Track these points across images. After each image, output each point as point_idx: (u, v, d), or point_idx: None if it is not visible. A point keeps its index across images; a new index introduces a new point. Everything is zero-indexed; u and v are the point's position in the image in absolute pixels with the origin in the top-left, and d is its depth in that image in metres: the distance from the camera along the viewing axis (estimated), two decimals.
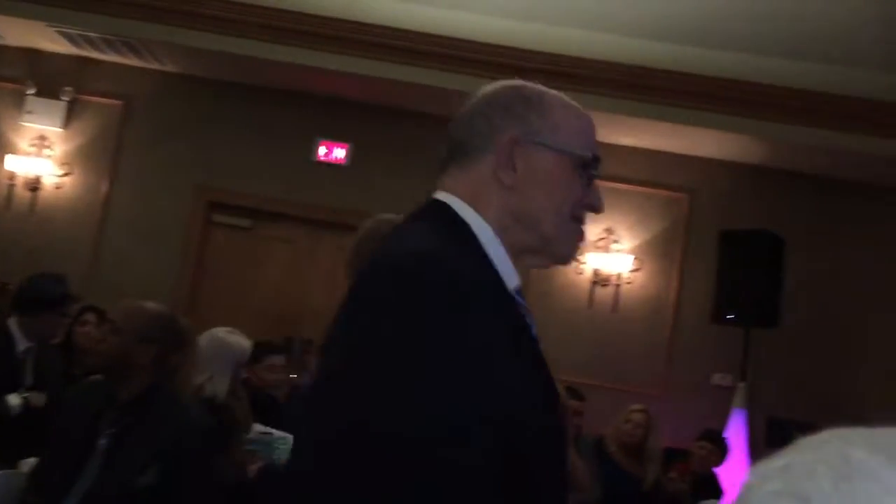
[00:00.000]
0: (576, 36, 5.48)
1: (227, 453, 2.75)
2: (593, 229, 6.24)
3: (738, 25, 5.17)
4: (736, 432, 5.17)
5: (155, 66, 6.24)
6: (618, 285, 6.15)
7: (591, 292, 6.20)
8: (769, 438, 5.34)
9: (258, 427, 3.19)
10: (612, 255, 6.18)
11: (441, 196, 1.18)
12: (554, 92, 1.24)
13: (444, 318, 0.97)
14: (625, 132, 5.92)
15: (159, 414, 2.36)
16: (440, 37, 5.47)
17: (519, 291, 1.16)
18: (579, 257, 6.24)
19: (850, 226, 6.09)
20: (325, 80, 5.84)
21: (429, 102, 5.95)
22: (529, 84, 1.23)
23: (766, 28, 5.16)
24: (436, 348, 0.95)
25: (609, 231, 6.22)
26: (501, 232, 1.15)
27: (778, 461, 0.48)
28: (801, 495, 0.45)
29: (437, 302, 0.98)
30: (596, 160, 1.21)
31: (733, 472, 4.61)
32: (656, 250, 6.22)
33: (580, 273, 6.25)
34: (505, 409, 0.98)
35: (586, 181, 1.20)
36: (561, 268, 6.27)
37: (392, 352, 0.95)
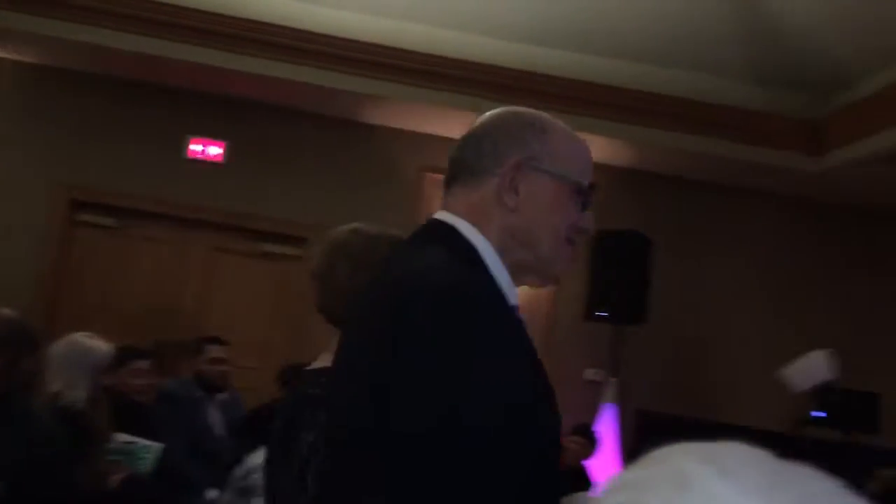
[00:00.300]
0: (456, 38, 5.52)
1: (85, 463, 2.61)
2: None
3: (612, 33, 5.35)
4: (607, 426, 5.34)
5: (13, 56, 5.89)
6: None
7: None
8: (639, 431, 5.54)
9: (121, 436, 3.06)
10: None
11: (445, 216, 1.25)
12: (555, 120, 1.32)
13: (487, 342, 1.06)
14: None
15: (8, 424, 2.22)
16: (322, 35, 5.40)
17: (517, 307, 1.24)
18: None
19: (714, 226, 6.41)
20: (200, 75, 5.66)
21: (310, 101, 5.88)
22: (533, 111, 1.31)
23: (636, 36, 5.36)
24: (486, 372, 1.04)
25: None
26: (502, 251, 1.22)
27: (625, 474, 0.50)
28: None
29: (483, 329, 1.07)
30: (591, 188, 1.28)
31: (603, 465, 4.75)
32: None
33: None
34: (536, 414, 1.12)
35: (581, 206, 1.27)
36: None
37: (445, 376, 1.02)
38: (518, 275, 1.25)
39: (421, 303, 1.07)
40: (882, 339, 6.22)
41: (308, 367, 1.64)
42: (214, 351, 4.38)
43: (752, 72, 5.57)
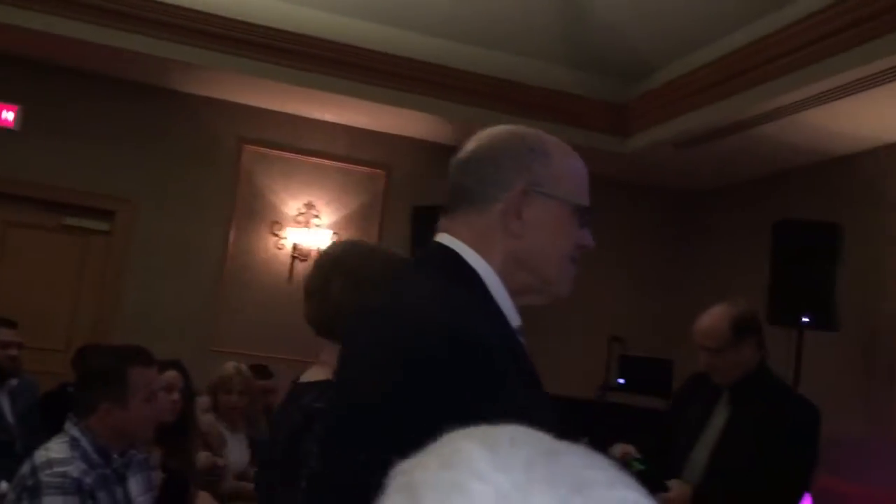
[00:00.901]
0: (278, 8, 5.36)
1: None
2: (293, 204, 6.20)
3: (433, 11, 5.38)
4: None
5: None
6: None
7: (292, 267, 6.16)
8: None
9: None
10: (313, 230, 6.18)
11: (446, 240, 1.23)
12: (553, 139, 1.30)
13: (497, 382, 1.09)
14: (325, 108, 5.94)
15: None
16: None
17: (521, 329, 1.25)
18: (279, 232, 6.17)
19: None
20: None
21: (115, 65, 5.51)
22: (531, 132, 1.29)
23: (457, 16, 5.43)
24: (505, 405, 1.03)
25: (309, 206, 6.21)
26: (504, 275, 1.22)
27: (415, 457, 0.51)
28: (411, 488, 0.47)
29: (489, 378, 1.08)
30: (591, 209, 1.30)
31: None
32: (355, 225, 6.33)
33: (280, 248, 6.18)
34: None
35: (580, 225, 1.28)
36: (260, 242, 6.19)
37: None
38: (521, 296, 1.25)
39: (434, 343, 1.08)
40: (683, 310, 6.74)
41: (303, 380, 1.64)
42: (2, 334, 4.03)
43: (564, 55, 5.81)
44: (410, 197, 6.10)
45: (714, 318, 2.74)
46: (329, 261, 1.64)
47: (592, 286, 6.56)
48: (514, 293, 1.24)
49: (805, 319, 4.53)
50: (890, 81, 4.22)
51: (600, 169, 6.50)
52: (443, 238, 1.25)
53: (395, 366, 1.09)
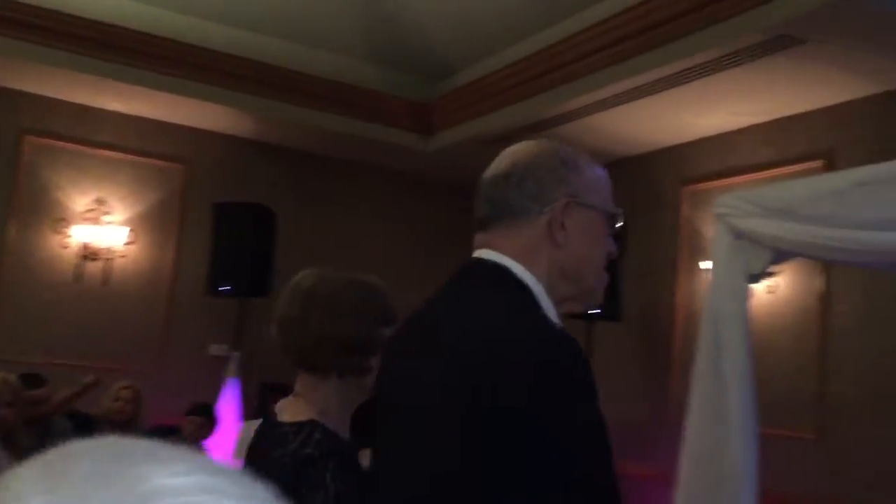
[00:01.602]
0: None
1: None
2: (81, 200, 5.79)
3: (231, 1, 5.22)
4: (230, 402, 5.28)
5: None
6: (110, 259, 5.81)
7: (80, 267, 5.76)
8: (262, 404, 5.56)
9: None
10: (104, 227, 5.80)
11: (493, 256, 1.27)
12: (578, 150, 1.35)
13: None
14: (114, 97, 5.59)
15: None
16: None
17: None
18: (65, 230, 5.75)
19: (336, 199, 6.62)
20: None
21: None
22: (561, 145, 1.33)
23: (259, 6, 5.29)
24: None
25: (100, 202, 5.82)
26: (550, 286, 1.26)
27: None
28: None
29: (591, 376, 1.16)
30: (622, 215, 1.36)
31: (224, 443, 4.69)
32: (152, 222, 6.02)
33: (66, 247, 5.75)
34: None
35: (610, 233, 1.33)
36: (43, 240, 5.72)
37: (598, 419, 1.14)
38: (562, 305, 1.30)
39: (566, 360, 1.14)
40: None
41: (283, 419, 1.56)
42: None
43: (368, 52, 5.83)
44: (212, 193, 5.88)
45: None
46: (303, 292, 1.61)
47: (397, 283, 6.65)
48: (556, 303, 1.28)
49: (594, 311, 4.82)
50: (668, 89, 4.59)
51: (404, 166, 6.70)
52: (486, 253, 1.29)
53: (527, 391, 1.12)
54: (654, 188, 5.72)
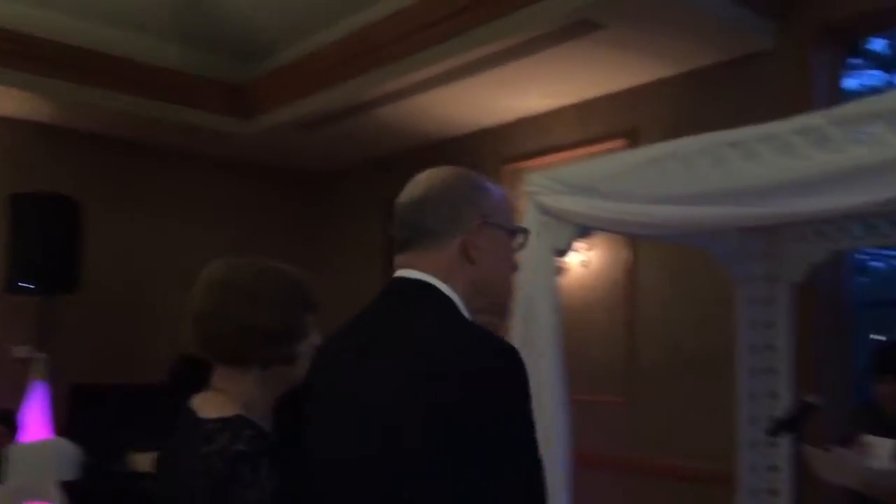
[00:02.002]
0: None
1: None
2: None
3: None
4: (37, 406, 4.92)
5: None
6: None
7: None
8: (73, 406, 5.23)
9: None
10: None
11: (413, 274, 1.40)
12: (480, 174, 1.49)
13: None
14: None
15: None
16: None
17: None
18: None
19: (149, 187, 6.30)
20: None
21: None
22: (471, 171, 1.48)
23: None
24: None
25: None
26: (465, 300, 1.39)
27: None
28: None
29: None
30: (524, 231, 1.50)
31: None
32: None
33: None
34: None
35: (515, 248, 1.49)
36: None
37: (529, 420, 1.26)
38: (476, 317, 1.41)
39: (509, 366, 1.26)
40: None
41: (203, 415, 1.50)
42: None
43: (181, 33, 5.55)
44: (7, 183, 5.44)
45: None
46: (218, 284, 1.58)
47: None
48: (472, 314, 1.40)
49: None
50: (483, 71, 4.67)
51: (223, 151, 6.46)
52: (408, 273, 1.41)
53: (525, 401, 1.27)
54: (476, 168, 5.77)
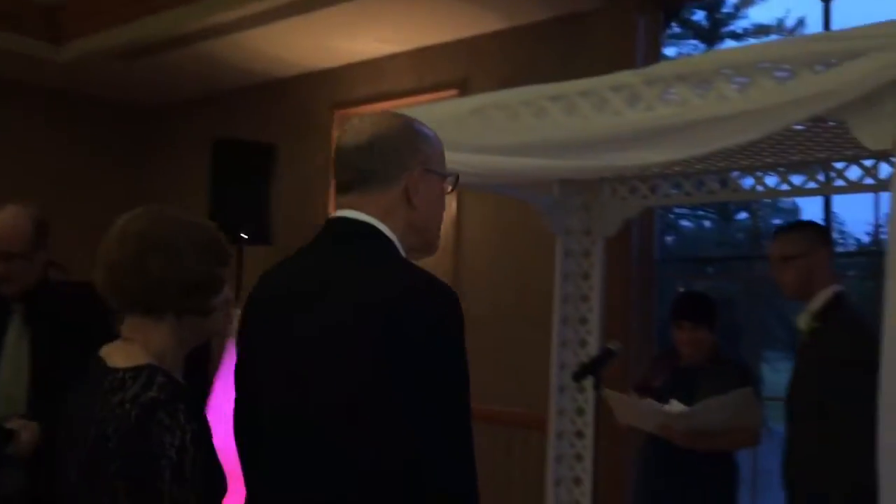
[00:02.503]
0: None
1: None
2: None
3: None
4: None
5: None
6: None
7: None
8: None
9: None
10: None
11: (355, 215, 1.48)
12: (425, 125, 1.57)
13: None
14: None
15: None
16: None
17: None
18: None
19: None
20: None
21: None
22: (413, 119, 1.56)
23: None
24: None
25: None
26: (401, 239, 1.49)
27: None
28: None
29: None
30: (456, 178, 1.61)
31: None
32: None
33: None
34: None
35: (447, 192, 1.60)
36: None
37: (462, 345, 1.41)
38: (409, 254, 1.51)
39: (453, 308, 1.40)
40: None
41: (113, 364, 1.51)
42: None
43: None
44: None
45: (16, 218, 2.51)
46: (135, 234, 1.55)
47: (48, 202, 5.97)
48: (405, 252, 1.50)
49: (244, 235, 4.71)
50: (317, 9, 4.52)
51: (32, 78, 5.94)
52: (350, 213, 1.49)
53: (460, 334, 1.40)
54: (305, 111, 5.69)
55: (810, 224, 2.96)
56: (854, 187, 3.02)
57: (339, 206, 1.52)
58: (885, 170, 2.90)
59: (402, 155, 1.50)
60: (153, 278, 1.53)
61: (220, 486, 1.48)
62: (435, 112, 2.83)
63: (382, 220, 1.48)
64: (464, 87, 4.70)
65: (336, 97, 5.49)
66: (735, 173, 3.28)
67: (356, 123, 1.54)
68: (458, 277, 4.82)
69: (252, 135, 5.09)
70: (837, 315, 2.66)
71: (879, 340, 2.21)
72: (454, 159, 2.68)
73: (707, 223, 18.89)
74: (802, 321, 2.71)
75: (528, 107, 2.54)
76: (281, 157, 4.90)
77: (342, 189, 1.52)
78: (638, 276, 4.30)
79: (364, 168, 1.49)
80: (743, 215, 17.56)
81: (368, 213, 1.48)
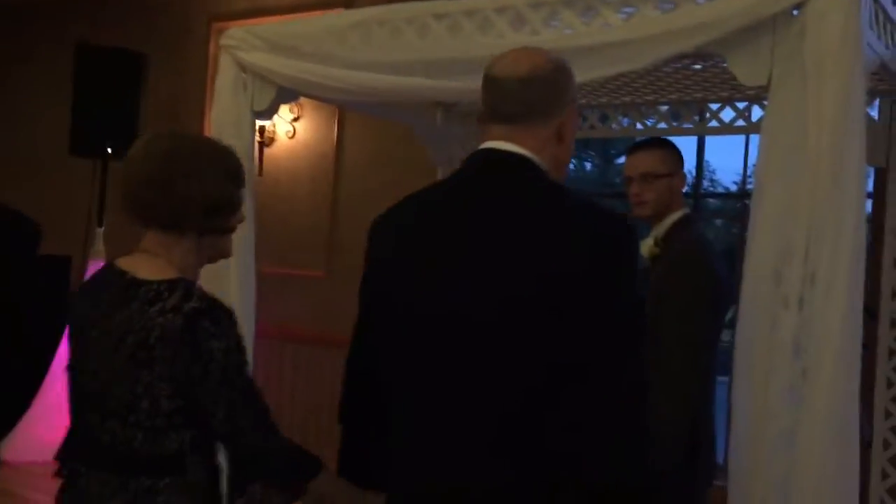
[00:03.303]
0: None
1: None
2: None
3: None
4: None
5: None
6: None
7: None
8: None
9: None
10: None
11: (512, 147, 1.48)
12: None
13: None
14: None
15: None
16: None
17: None
18: None
19: None
20: None
21: None
22: (559, 56, 1.57)
23: None
24: None
25: None
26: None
27: None
28: None
29: None
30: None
31: None
32: None
33: None
34: None
35: None
36: None
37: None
38: None
39: (621, 234, 1.39)
40: None
41: (143, 276, 1.58)
42: None
43: None
44: None
45: None
46: (162, 153, 1.61)
47: None
48: None
49: (108, 150, 4.45)
50: None
51: None
52: (506, 145, 1.48)
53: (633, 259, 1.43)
54: (182, 23, 5.37)
55: (670, 143, 2.68)
56: (727, 129, 3.09)
57: (492, 137, 1.50)
58: (757, 112, 2.98)
59: (560, 91, 1.52)
60: (179, 197, 1.59)
61: (260, 393, 1.60)
62: (314, 25, 2.70)
63: (537, 155, 1.49)
64: (349, 6, 4.53)
65: (213, 9, 5.20)
66: (616, 111, 3.30)
67: (511, 55, 1.52)
68: (336, 202, 4.72)
69: (121, 43, 4.76)
70: (676, 243, 2.47)
71: (709, 275, 2.27)
72: (332, 75, 2.58)
73: (588, 165, 19.34)
74: (646, 248, 2.53)
75: (410, 24, 2.44)
76: (152, 69, 4.62)
77: (501, 120, 1.50)
78: None
79: (529, 101, 1.49)
80: (621, 159, 18.08)
81: (524, 147, 1.48)
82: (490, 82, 1.51)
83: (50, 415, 4.52)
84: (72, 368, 1.63)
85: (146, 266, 1.60)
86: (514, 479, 1.34)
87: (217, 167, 1.63)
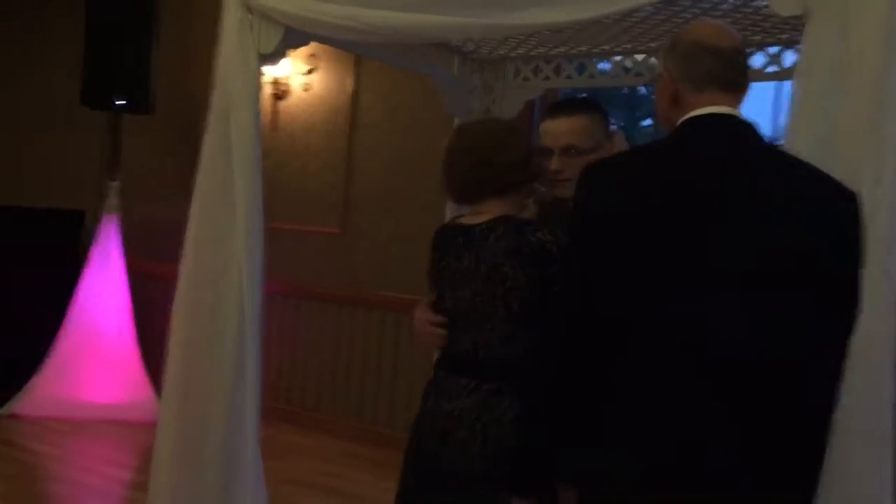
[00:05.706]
0: None
1: None
2: None
3: None
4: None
5: None
6: None
7: None
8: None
9: None
10: None
11: (737, 114, 1.56)
12: None
13: None
14: None
15: None
16: None
17: None
18: None
19: None
20: None
21: None
22: None
23: None
24: None
25: None
26: None
27: None
28: None
29: None
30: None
31: None
32: None
33: None
34: None
35: None
36: None
37: None
38: None
39: (849, 203, 1.47)
40: None
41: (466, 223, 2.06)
42: None
43: None
44: None
45: None
46: (483, 135, 2.08)
47: None
48: None
49: (119, 102, 4.36)
50: None
51: None
52: (732, 111, 1.55)
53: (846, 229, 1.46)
54: None
55: (595, 104, 2.27)
56: (758, 75, 2.93)
57: (713, 102, 1.54)
58: (790, 58, 2.81)
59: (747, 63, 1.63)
60: (503, 167, 2.00)
61: None
62: None
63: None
64: None
65: None
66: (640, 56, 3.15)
67: (715, 24, 1.63)
68: (351, 157, 4.61)
69: None
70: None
71: None
72: (341, 13, 2.46)
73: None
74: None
75: None
76: (163, 14, 4.51)
77: (726, 87, 1.56)
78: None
79: (746, 70, 1.60)
80: (647, 122, 17.76)
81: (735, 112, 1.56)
82: (705, 49, 1.56)
83: (60, 372, 4.55)
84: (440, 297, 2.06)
85: (465, 216, 2.10)
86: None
87: (517, 139, 2.07)
